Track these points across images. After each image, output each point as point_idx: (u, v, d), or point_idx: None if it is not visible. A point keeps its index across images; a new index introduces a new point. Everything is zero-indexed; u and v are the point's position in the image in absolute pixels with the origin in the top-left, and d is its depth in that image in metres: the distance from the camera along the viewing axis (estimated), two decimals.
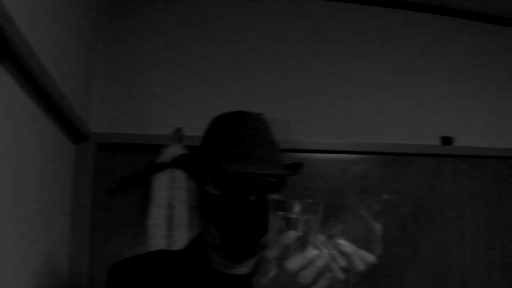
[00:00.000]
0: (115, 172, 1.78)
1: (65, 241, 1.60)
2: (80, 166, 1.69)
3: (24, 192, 1.14)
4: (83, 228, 1.66)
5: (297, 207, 0.69)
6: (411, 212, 2.00)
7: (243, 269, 0.85)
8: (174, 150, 1.70)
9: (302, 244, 0.66)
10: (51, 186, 1.40)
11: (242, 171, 0.80)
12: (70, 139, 1.61)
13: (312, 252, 0.64)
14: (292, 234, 0.64)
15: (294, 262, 0.63)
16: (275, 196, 0.84)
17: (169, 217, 1.64)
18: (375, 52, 2.11)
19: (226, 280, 0.84)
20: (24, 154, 1.13)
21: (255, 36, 2.01)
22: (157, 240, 1.60)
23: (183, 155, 1.58)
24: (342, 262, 0.66)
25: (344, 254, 0.66)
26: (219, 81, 1.92)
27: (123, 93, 1.85)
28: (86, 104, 1.72)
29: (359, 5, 2.14)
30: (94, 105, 1.80)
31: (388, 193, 0.73)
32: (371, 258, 0.68)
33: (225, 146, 0.83)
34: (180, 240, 1.60)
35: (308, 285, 0.62)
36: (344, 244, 0.67)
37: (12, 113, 1.04)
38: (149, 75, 1.88)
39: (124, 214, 1.76)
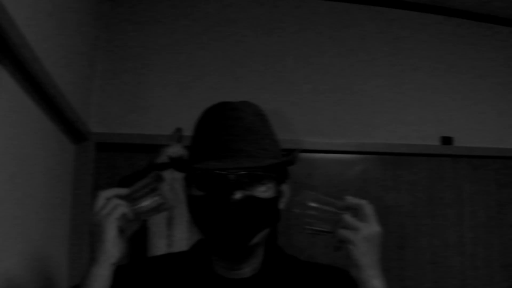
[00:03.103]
0: (115, 172, 1.77)
1: (65, 241, 1.60)
2: (80, 166, 1.69)
3: (24, 192, 1.14)
4: (83, 228, 1.66)
5: None
6: (411, 212, 2.00)
7: (245, 272, 0.82)
8: (174, 150, 1.69)
9: None
10: (51, 186, 1.40)
11: (213, 168, 0.73)
12: (70, 139, 1.61)
13: None
14: None
15: None
16: (266, 191, 0.77)
17: (169, 217, 1.64)
18: (376, 52, 2.11)
19: (228, 285, 0.81)
20: (24, 154, 1.13)
21: (255, 36, 2.01)
22: (157, 240, 1.60)
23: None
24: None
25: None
26: (220, 81, 1.92)
27: (123, 93, 1.85)
28: (86, 104, 1.72)
29: (360, 5, 2.14)
30: (94, 105, 1.80)
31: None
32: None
33: (204, 143, 0.78)
34: (180, 240, 1.60)
35: None
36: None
37: (12, 113, 1.04)
38: (149, 75, 1.88)
39: None
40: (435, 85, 2.13)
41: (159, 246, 1.58)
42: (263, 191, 0.76)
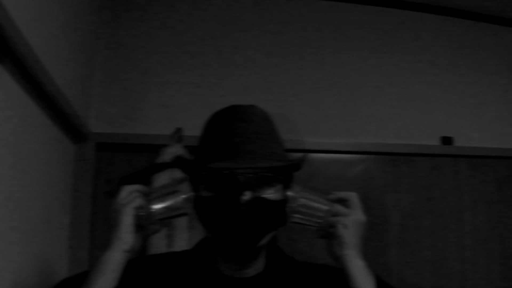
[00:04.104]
0: (115, 172, 1.77)
1: (65, 242, 1.60)
2: (80, 166, 1.69)
3: (24, 192, 1.14)
4: (83, 228, 1.66)
5: None
6: (411, 212, 2.00)
7: (248, 271, 0.83)
8: (174, 150, 1.69)
9: None
10: (51, 186, 1.40)
11: (226, 167, 0.74)
12: (70, 139, 1.61)
13: None
14: None
15: None
16: (274, 193, 0.78)
17: None
18: (375, 52, 2.11)
19: (231, 284, 0.82)
20: (24, 154, 1.13)
21: (255, 37, 2.01)
22: (157, 240, 1.60)
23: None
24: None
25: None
26: (220, 81, 1.92)
27: (123, 93, 1.84)
28: (86, 104, 1.72)
29: (359, 5, 2.14)
30: (94, 105, 1.80)
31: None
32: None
33: (214, 144, 0.79)
34: (180, 240, 1.60)
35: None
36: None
37: (12, 113, 1.04)
38: (149, 75, 1.88)
39: None
40: (435, 85, 2.13)
41: (159, 246, 1.58)
42: (272, 193, 0.78)
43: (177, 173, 1.68)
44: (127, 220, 0.76)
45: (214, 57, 1.95)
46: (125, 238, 0.76)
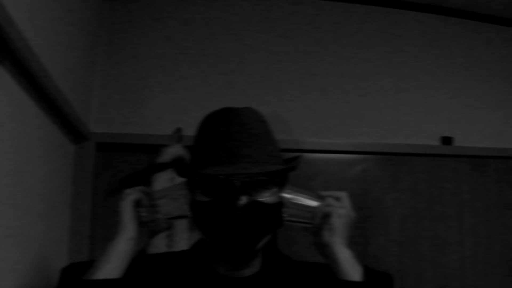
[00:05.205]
0: (115, 172, 1.78)
1: (65, 242, 1.60)
2: (80, 166, 1.69)
3: (24, 192, 1.14)
4: (83, 228, 1.66)
5: None
6: (411, 212, 2.00)
7: (245, 272, 0.84)
8: (174, 150, 1.69)
9: None
10: (51, 186, 1.40)
11: (222, 173, 0.74)
12: (70, 139, 1.61)
13: None
14: None
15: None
16: (270, 196, 0.78)
17: None
18: (375, 52, 2.11)
19: (228, 283, 0.83)
20: (24, 154, 1.13)
21: (255, 37, 2.01)
22: (157, 240, 1.60)
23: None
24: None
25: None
26: (219, 81, 1.92)
27: (123, 93, 1.85)
28: (86, 104, 1.72)
29: (359, 5, 2.14)
30: (94, 105, 1.80)
31: None
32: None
33: (208, 148, 0.78)
34: (180, 240, 1.60)
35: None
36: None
37: (12, 113, 1.04)
38: (149, 75, 1.88)
39: None
40: (435, 85, 2.13)
41: (159, 246, 1.58)
42: (268, 196, 0.78)
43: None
44: (128, 209, 0.81)
45: (213, 58, 1.95)
46: (128, 226, 0.80)
